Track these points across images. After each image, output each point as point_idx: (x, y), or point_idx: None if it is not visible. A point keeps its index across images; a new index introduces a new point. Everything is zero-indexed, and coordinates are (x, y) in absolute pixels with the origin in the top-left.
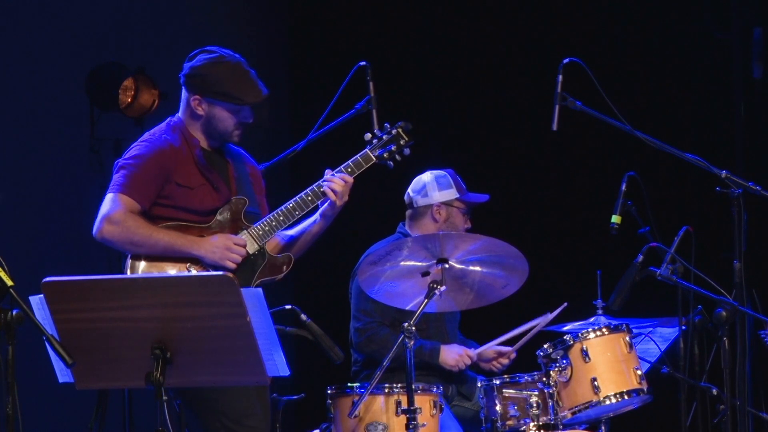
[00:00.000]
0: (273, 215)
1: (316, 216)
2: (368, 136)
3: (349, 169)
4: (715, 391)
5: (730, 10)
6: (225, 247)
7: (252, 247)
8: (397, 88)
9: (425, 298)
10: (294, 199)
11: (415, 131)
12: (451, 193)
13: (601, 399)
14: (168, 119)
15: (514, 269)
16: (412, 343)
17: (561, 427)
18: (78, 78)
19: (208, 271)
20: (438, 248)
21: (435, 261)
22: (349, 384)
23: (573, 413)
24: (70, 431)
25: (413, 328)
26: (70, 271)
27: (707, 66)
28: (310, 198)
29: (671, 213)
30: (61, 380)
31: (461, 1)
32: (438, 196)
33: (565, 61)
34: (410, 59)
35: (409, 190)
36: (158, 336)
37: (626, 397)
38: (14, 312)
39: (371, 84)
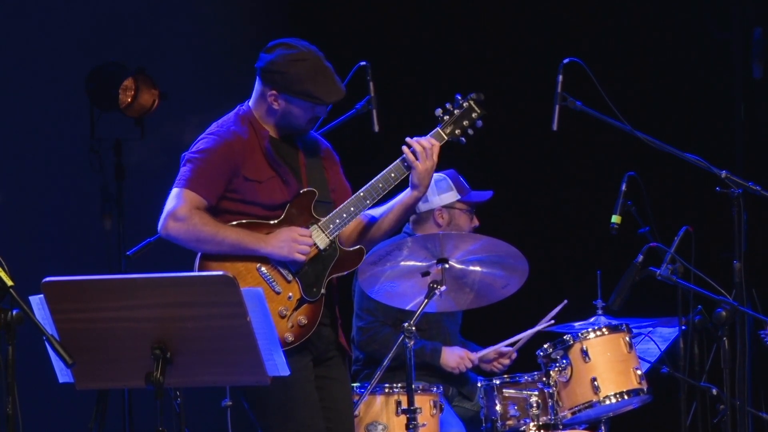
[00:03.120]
0: (343, 206)
1: (398, 199)
2: (439, 111)
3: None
4: (715, 391)
5: (730, 10)
6: (291, 240)
7: (323, 242)
8: (397, 88)
9: (425, 298)
10: (365, 187)
11: (416, 129)
12: (452, 196)
13: (601, 399)
14: (237, 108)
15: (514, 269)
16: (412, 343)
17: (561, 427)
18: (78, 78)
19: (277, 269)
20: (438, 248)
21: (435, 261)
22: None
23: (573, 413)
24: (70, 431)
25: (413, 328)
26: (70, 271)
27: (707, 66)
28: (381, 185)
29: (671, 213)
30: (61, 380)
31: (461, 1)
32: (438, 200)
33: (565, 61)
34: (410, 59)
35: None
36: (158, 336)
37: (626, 397)
38: (14, 312)
39: (371, 84)
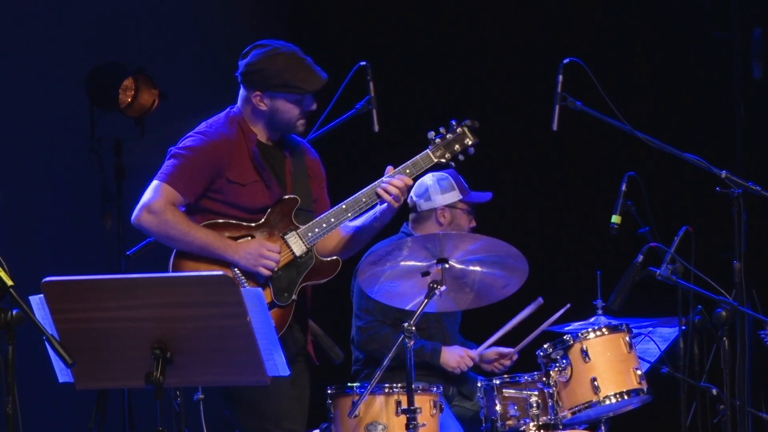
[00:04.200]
0: (324, 216)
1: (375, 213)
2: (431, 134)
3: (408, 170)
4: (715, 391)
5: (730, 10)
6: (258, 254)
7: (299, 249)
8: (397, 88)
9: (425, 298)
10: (348, 199)
11: (416, 129)
12: (454, 195)
13: (601, 399)
14: (227, 109)
15: (514, 269)
16: (412, 343)
17: (561, 427)
18: (78, 78)
19: (249, 273)
20: (438, 248)
21: (435, 261)
22: (349, 384)
23: (573, 413)
24: (70, 431)
25: (413, 328)
26: (70, 271)
27: (707, 66)
28: (364, 200)
29: (671, 213)
30: (61, 380)
31: (461, 1)
32: (441, 199)
33: (565, 61)
34: (410, 59)
35: (412, 194)
36: (158, 336)
37: (626, 397)
38: (14, 312)
39: (371, 84)
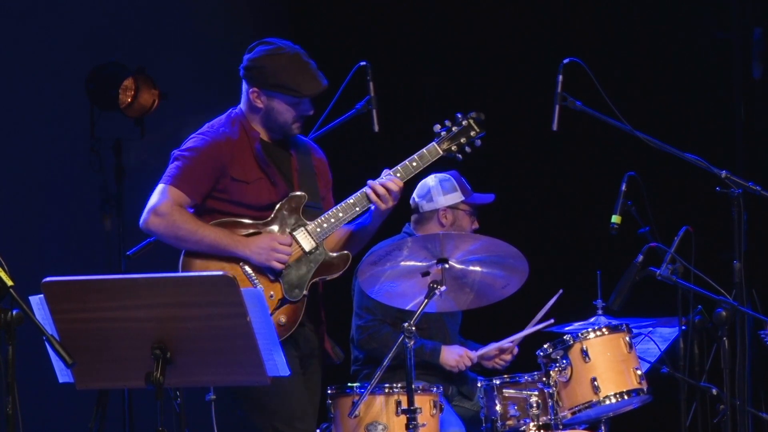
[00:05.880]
0: (332, 211)
1: (367, 215)
2: (437, 127)
3: (414, 163)
4: (715, 391)
5: (730, 10)
6: (270, 248)
7: (309, 245)
8: (397, 88)
9: (425, 298)
10: (354, 194)
11: (416, 129)
12: (456, 197)
13: (601, 399)
14: (229, 110)
15: (514, 269)
16: (412, 342)
17: (561, 427)
18: (78, 78)
19: (261, 268)
20: (438, 248)
21: (435, 261)
22: (349, 384)
23: (573, 413)
24: (70, 431)
25: (413, 327)
26: (70, 271)
27: (707, 66)
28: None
29: (671, 213)
30: (61, 380)
31: (461, 1)
32: (443, 200)
33: (565, 61)
34: (410, 59)
35: (414, 195)
36: (158, 336)
37: (626, 397)
38: (14, 312)
39: (371, 84)
